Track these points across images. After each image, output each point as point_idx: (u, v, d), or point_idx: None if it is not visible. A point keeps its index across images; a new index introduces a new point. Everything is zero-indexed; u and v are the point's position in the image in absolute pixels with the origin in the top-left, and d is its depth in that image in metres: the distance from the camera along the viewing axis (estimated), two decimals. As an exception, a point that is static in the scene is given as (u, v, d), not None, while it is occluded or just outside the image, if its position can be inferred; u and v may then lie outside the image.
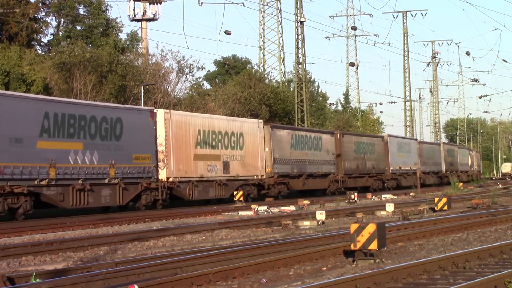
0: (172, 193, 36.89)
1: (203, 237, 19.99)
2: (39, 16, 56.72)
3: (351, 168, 54.68)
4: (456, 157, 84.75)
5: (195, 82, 70.69)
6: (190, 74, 62.71)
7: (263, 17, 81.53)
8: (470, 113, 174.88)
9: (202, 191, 38.50)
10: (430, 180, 72.14)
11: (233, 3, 52.01)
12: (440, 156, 77.29)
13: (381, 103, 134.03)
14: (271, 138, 44.80)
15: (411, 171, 64.66)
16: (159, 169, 35.76)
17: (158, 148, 35.76)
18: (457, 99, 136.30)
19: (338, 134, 54.36)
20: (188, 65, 61.07)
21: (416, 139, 75.72)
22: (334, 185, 51.99)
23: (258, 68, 76.92)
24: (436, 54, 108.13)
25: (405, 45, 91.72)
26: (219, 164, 39.87)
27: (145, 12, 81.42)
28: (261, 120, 45.90)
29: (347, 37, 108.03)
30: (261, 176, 43.64)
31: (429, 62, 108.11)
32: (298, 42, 61.06)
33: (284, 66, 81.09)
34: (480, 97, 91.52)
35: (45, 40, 59.43)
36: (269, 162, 44.27)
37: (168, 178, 36.19)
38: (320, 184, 50.76)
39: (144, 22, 79.86)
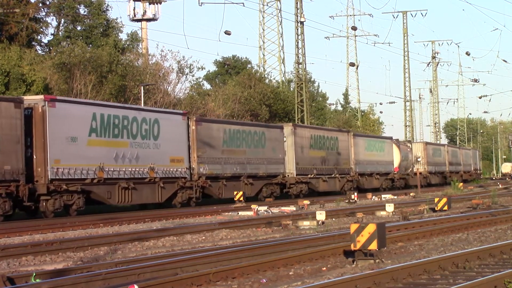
0: None
1: (203, 237, 19.99)
2: (39, 16, 56.75)
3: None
4: (347, 150, 53.43)
5: (195, 82, 70.86)
6: (190, 74, 62.84)
7: (263, 17, 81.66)
8: (470, 113, 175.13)
9: None
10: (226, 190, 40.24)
11: (233, 3, 52.18)
12: (282, 148, 45.46)
13: (381, 103, 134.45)
14: None
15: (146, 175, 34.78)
16: None
17: None
18: (457, 99, 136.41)
19: None
20: (188, 65, 61.19)
21: (182, 113, 38.49)
22: None
23: (258, 68, 77.08)
24: (436, 54, 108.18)
25: (405, 45, 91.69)
26: None
27: (145, 12, 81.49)
28: None
29: (347, 37, 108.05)
30: None
31: (429, 62, 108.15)
32: (298, 42, 61.06)
33: (284, 66, 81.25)
34: (480, 97, 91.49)
35: (45, 40, 59.53)
36: None
37: None
38: None
39: (144, 22, 79.93)
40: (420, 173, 64.29)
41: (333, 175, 50.27)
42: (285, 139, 45.59)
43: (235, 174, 40.94)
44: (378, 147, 59.63)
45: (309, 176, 47.07)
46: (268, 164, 43.98)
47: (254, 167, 42.63)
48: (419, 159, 67.51)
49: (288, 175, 45.41)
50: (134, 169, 34.08)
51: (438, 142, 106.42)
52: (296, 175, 45.65)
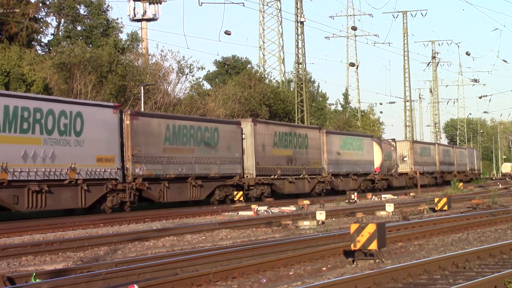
0: None
1: (203, 237, 19.99)
2: (39, 16, 56.81)
3: None
4: (318, 148, 48.69)
5: (195, 82, 70.89)
6: (190, 74, 62.90)
7: (263, 17, 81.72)
8: (470, 113, 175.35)
9: None
10: None
11: (233, 3, 52.14)
12: (240, 147, 41.18)
13: (381, 103, 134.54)
14: None
15: None
16: None
17: None
18: (457, 99, 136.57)
19: None
20: (188, 65, 61.25)
21: (113, 106, 33.92)
22: None
23: (258, 68, 77.12)
24: (436, 54, 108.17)
25: (405, 45, 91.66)
26: None
27: (145, 12, 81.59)
28: None
29: (347, 37, 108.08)
30: None
31: (429, 62, 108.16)
32: (298, 42, 61.04)
33: (284, 66, 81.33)
34: (480, 97, 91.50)
35: (45, 40, 59.58)
36: None
37: None
38: None
39: (144, 22, 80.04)
40: (407, 173, 62.37)
41: (301, 176, 45.90)
42: (243, 136, 41.05)
43: (180, 175, 36.27)
44: (356, 145, 54.35)
45: (272, 177, 42.77)
46: (222, 164, 39.23)
47: (204, 167, 37.91)
48: (405, 159, 64.00)
49: (246, 176, 40.91)
50: (49, 170, 29.15)
51: (438, 142, 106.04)
52: (256, 176, 41.24)
